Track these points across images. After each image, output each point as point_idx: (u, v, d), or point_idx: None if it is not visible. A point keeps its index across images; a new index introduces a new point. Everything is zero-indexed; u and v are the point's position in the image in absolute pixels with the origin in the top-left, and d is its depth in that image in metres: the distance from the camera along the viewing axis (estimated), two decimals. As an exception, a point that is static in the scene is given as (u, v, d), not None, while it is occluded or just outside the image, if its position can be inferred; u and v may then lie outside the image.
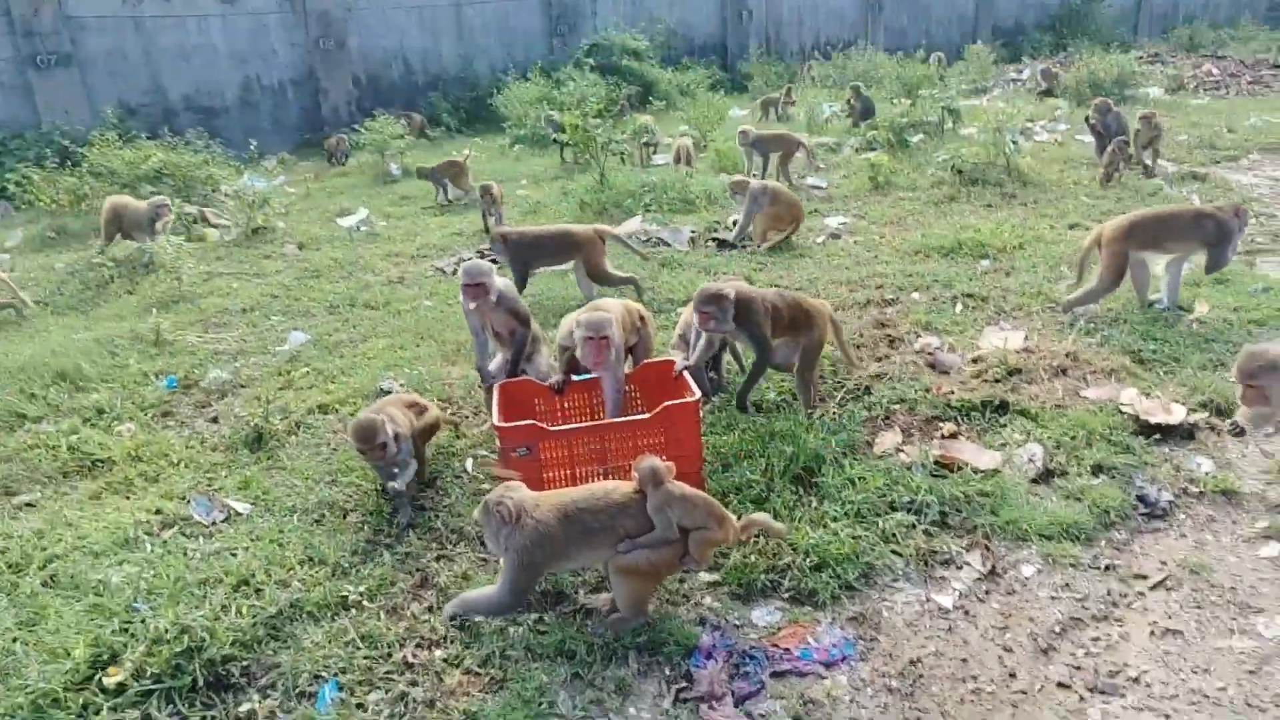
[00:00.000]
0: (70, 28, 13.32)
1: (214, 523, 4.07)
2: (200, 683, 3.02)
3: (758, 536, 3.53)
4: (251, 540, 3.84)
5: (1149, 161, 9.83)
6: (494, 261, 6.68)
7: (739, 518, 3.33)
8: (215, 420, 5.23)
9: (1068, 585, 3.42)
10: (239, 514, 4.15)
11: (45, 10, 12.96)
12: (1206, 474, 4.09)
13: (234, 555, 3.72)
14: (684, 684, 2.96)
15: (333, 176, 12.93)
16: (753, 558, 3.53)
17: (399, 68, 16.98)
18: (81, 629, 3.21)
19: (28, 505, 4.35)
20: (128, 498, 4.34)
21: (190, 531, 4.00)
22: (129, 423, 5.17)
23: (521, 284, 6.63)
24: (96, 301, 7.70)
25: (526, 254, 6.68)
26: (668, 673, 3.03)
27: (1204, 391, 4.71)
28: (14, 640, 3.20)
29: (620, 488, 3.21)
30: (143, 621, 3.21)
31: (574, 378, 4.43)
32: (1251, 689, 2.88)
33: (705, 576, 3.51)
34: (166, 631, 3.14)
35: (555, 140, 12.56)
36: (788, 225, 7.99)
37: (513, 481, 3.31)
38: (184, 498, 4.27)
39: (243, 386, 5.65)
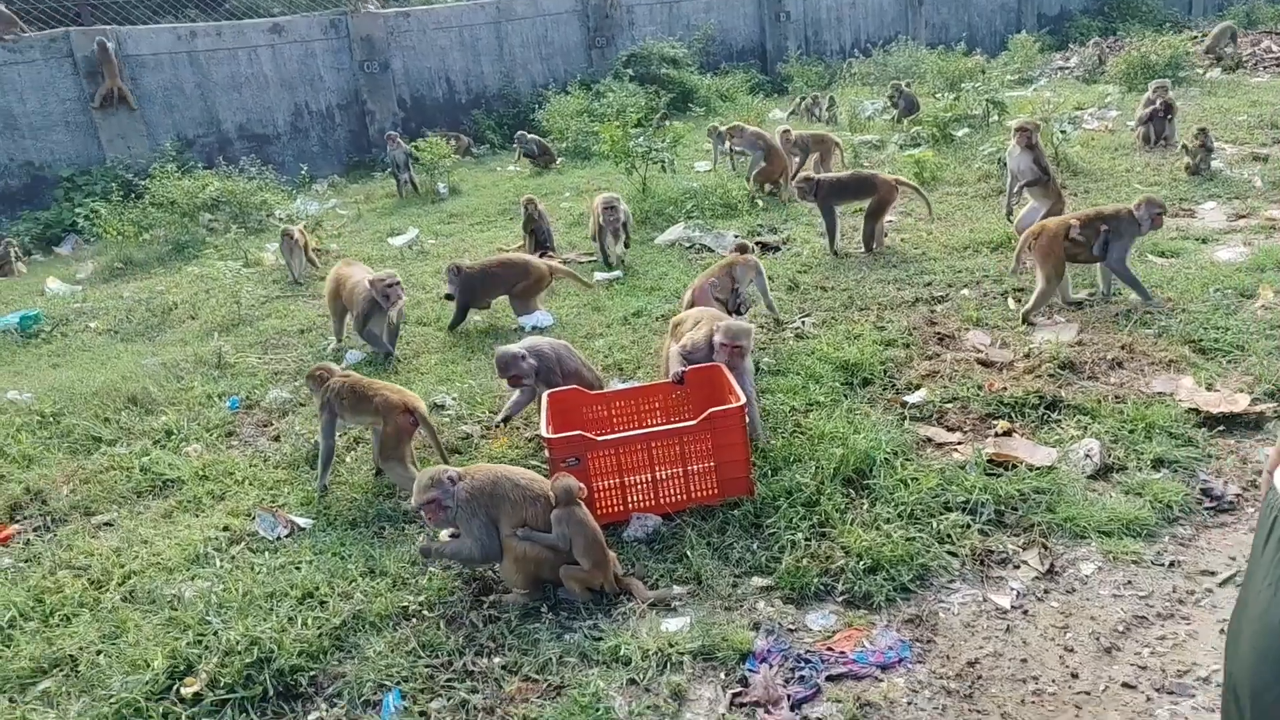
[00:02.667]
0: (130, 65, 13.85)
1: (278, 538, 4.21)
2: (270, 692, 3.13)
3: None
4: (314, 554, 3.97)
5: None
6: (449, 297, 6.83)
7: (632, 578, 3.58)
8: (277, 439, 5.39)
9: (1130, 583, 3.35)
10: (302, 529, 4.28)
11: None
12: (1275, 465, 3.96)
13: (298, 569, 3.84)
14: (739, 689, 2.98)
15: (383, 197, 13.22)
16: (805, 561, 3.53)
17: (442, 87, 17.28)
18: (159, 641, 3.36)
19: (106, 525, 4.55)
20: (197, 515, 4.51)
21: (256, 546, 4.14)
22: (196, 443, 5.36)
23: (461, 317, 6.84)
24: (162, 327, 7.99)
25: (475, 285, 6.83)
26: (723, 677, 3.05)
27: (1270, 380, 4.57)
28: (98, 653, 3.37)
29: (546, 485, 3.56)
30: (215, 634, 3.35)
31: (623, 385, 4.49)
32: (1327, 685, 2.78)
33: (758, 581, 3.52)
34: (238, 643, 3.26)
35: (525, 154, 13.76)
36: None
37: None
38: (249, 514, 4.42)
39: (302, 405, 5.81)
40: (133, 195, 12.02)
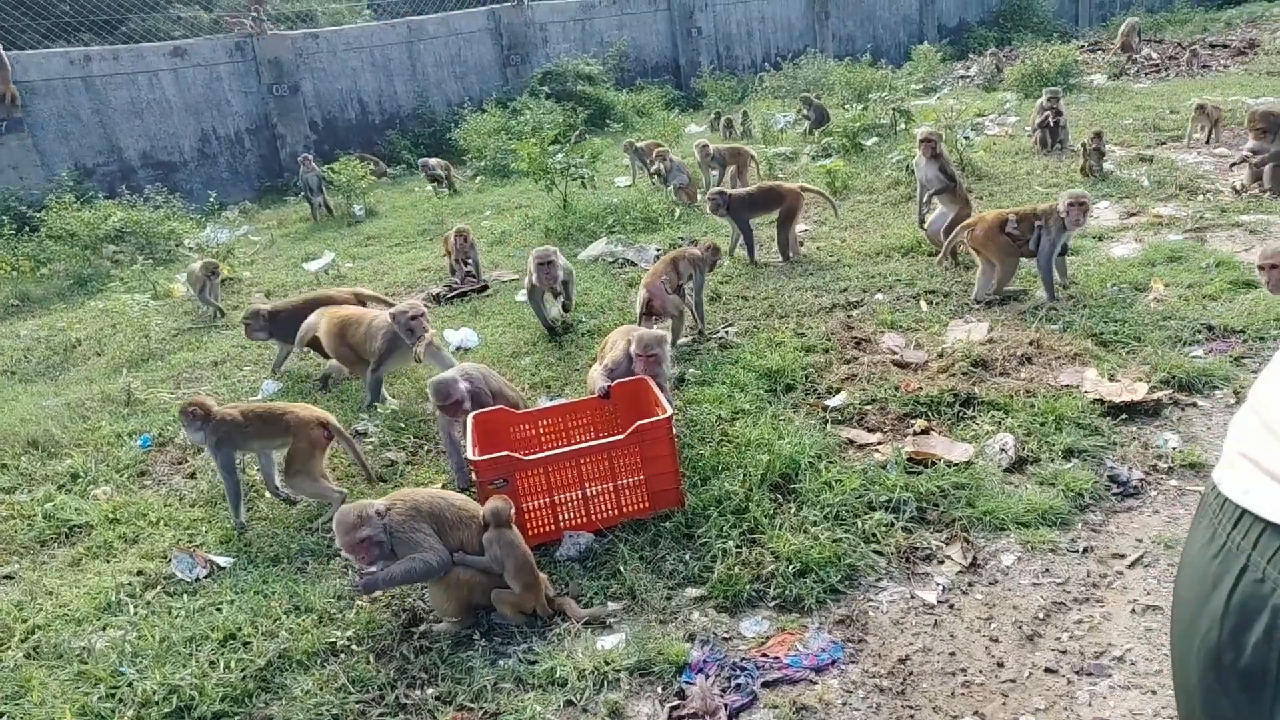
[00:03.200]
0: (20, 92, 13.23)
1: (197, 579, 4.04)
2: (192, 742, 3.00)
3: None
4: (236, 593, 3.82)
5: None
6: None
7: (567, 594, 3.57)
8: (193, 476, 5.19)
9: (1048, 570, 3.48)
10: (222, 568, 4.12)
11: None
12: (1174, 449, 4.18)
13: (219, 610, 3.70)
14: (677, 702, 2.98)
15: (297, 222, 12.90)
16: (737, 569, 3.56)
17: (354, 109, 17.01)
18: (68, 698, 3.18)
19: (5, 578, 4.29)
20: (108, 561, 4.30)
21: (174, 590, 3.97)
22: (105, 485, 5.12)
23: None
24: (64, 366, 7.62)
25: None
26: (660, 691, 3.05)
27: (1165, 369, 4.81)
28: (0, 715, 3.17)
29: (478, 508, 3.55)
30: (130, 685, 3.20)
31: (551, 403, 4.46)
32: (1230, 656, 2.93)
33: (692, 591, 3.54)
34: (155, 693, 3.13)
35: (431, 180, 13.38)
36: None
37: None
38: (165, 556, 4.24)
39: (218, 440, 5.61)
40: (27, 228, 11.46)
